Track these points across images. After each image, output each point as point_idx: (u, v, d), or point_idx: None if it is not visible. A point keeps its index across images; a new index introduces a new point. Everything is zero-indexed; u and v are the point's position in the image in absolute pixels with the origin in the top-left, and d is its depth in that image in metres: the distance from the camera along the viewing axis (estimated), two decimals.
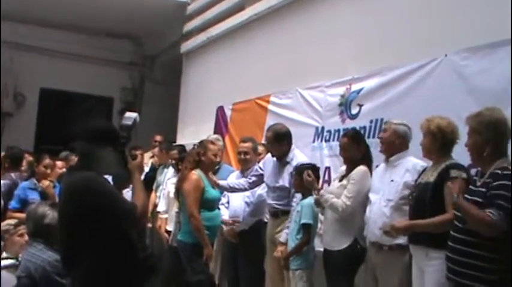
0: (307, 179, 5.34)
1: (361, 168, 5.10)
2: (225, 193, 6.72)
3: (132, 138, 3.87)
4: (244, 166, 6.66)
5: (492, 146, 3.73)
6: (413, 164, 4.68)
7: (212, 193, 6.06)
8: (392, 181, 4.72)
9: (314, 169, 5.71)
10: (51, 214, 4.30)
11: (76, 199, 3.44)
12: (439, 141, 4.29)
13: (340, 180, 5.25)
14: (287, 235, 5.64)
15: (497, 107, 3.89)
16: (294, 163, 5.87)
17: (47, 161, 7.16)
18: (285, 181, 5.92)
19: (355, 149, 5.23)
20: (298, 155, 6.05)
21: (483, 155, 3.76)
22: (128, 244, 3.57)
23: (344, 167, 5.38)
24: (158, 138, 9.74)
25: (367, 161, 5.21)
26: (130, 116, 3.91)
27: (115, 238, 3.44)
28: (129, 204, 3.48)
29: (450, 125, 4.30)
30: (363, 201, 4.99)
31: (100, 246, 3.42)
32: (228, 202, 6.78)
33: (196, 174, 5.98)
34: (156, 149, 8.95)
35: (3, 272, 4.27)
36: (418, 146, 4.52)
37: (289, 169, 5.90)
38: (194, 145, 6.25)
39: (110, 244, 3.44)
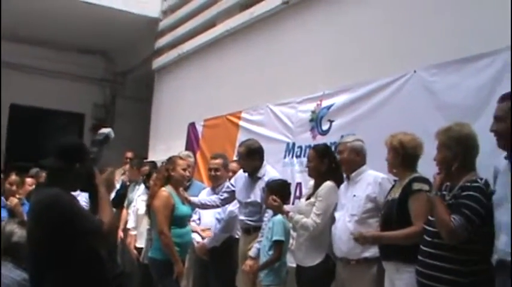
0: (272, 204, 5.35)
1: (328, 184, 5.11)
2: (196, 209, 6.69)
3: (103, 154, 3.85)
4: (215, 182, 6.66)
5: (461, 160, 3.78)
6: (373, 177, 4.75)
7: (182, 209, 5.99)
8: (354, 196, 4.77)
9: (285, 184, 5.72)
10: (19, 232, 4.24)
11: (42, 216, 3.41)
12: (401, 156, 4.36)
13: (308, 197, 5.25)
14: (257, 249, 5.62)
15: (466, 123, 3.94)
16: (266, 179, 5.87)
17: (13, 177, 7.04)
18: (256, 196, 5.91)
19: (319, 163, 5.24)
20: (270, 171, 6.05)
21: (451, 169, 3.80)
22: (97, 262, 3.54)
23: (312, 182, 5.39)
24: (129, 155, 9.67)
25: (336, 176, 5.21)
26: (103, 131, 3.91)
27: (83, 256, 3.41)
28: (96, 221, 3.44)
29: (413, 140, 4.36)
30: (332, 217, 4.99)
31: (67, 265, 3.39)
32: (199, 219, 6.77)
33: (166, 191, 5.91)
34: (127, 166, 8.89)
35: None
36: (383, 160, 4.56)
37: (260, 185, 5.89)
38: (163, 162, 6.16)
39: (77, 262, 3.40)
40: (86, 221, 3.41)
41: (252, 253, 5.69)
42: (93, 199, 3.66)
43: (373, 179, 4.72)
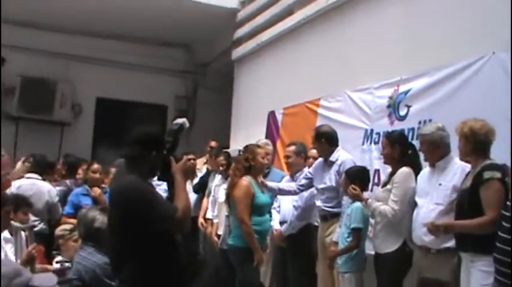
0: (352, 192, 5.35)
1: (403, 170, 5.08)
2: (276, 197, 6.75)
3: (179, 143, 3.94)
4: (291, 170, 6.73)
5: None
6: (461, 167, 4.63)
7: (262, 198, 6.04)
8: (440, 184, 4.69)
9: (364, 171, 5.74)
10: (100, 218, 4.42)
11: (118, 201, 3.53)
12: (472, 143, 4.27)
13: (385, 184, 5.22)
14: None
15: None
16: (339, 163, 5.96)
17: (96, 166, 7.30)
18: (331, 181, 5.97)
19: (391, 149, 5.24)
20: (343, 155, 6.12)
21: None
22: (172, 248, 3.63)
23: (390, 170, 5.35)
24: (213, 144, 9.82)
25: (412, 162, 5.15)
26: (178, 121, 3.99)
27: (158, 241, 3.50)
28: (170, 207, 3.53)
29: (484, 126, 4.26)
30: (409, 203, 4.95)
31: (144, 250, 3.49)
32: (279, 206, 6.85)
33: (246, 180, 5.97)
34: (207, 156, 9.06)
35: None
36: None
37: (335, 169, 5.97)
38: (239, 151, 6.20)
39: (153, 248, 3.50)
40: (159, 207, 3.49)
41: (335, 237, 5.72)
42: (170, 187, 3.75)
43: (461, 169, 4.61)
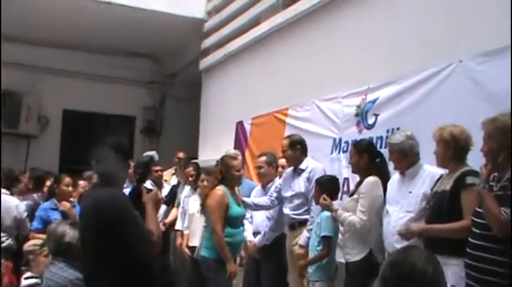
0: (323, 203, 5.36)
1: (370, 179, 5.10)
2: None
3: (148, 175, 4.03)
4: (263, 180, 6.71)
5: (508, 151, 3.69)
6: (430, 174, 4.65)
7: (236, 210, 5.92)
8: (410, 192, 4.70)
9: (334, 180, 5.76)
10: (71, 233, 4.34)
11: (100, 213, 3.47)
12: (453, 149, 4.27)
13: (352, 194, 5.23)
14: (307, 238, 5.70)
15: None
16: (309, 170, 6.02)
17: (67, 179, 7.20)
18: (300, 187, 6.02)
19: (359, 158, 5.25)
20: (312, 163, 6.16)
21: (498, 160, 3.73)
22: (146, 261, 3.58)
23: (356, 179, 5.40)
24: (180, 155, 9.78)
25: (379, 171, 5.18)
26: (148, 153, 4.09)
27: (134, 256, 3.46)
28: (147, 230, 3.53)
29: (463, 132, 4.27)
30: (377, 212, 4.97)
31: (119, 264, 3.44)
32: (251, 217, 6.82)
33: (221, 190, 5.85)
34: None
35: None
36: (433, 154, 4.48)
37: (304, 176, 6.00)
38: (217, 161, 6.07)
39: (128, 262, 3.45)
40: (139, 225, 3.49)
41: (301, 241, 5.74)
42: (141, 216, 3.75)
43: (430, 177, 4.63)
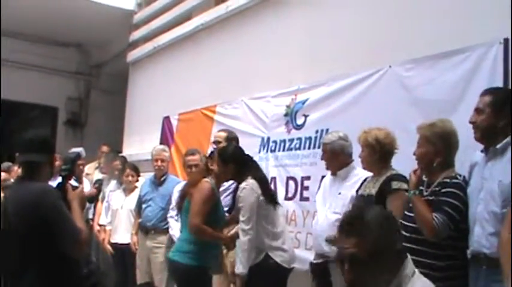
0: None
1: (242, 187, 4.93)
2: (173, 205, 6.59)
3: (75, 171, 3.94)
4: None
5: (443, 156, 3.78)
6: (361, 177, 4.69)
7: (222, 211, 5.30)
8: (340, 193, 4.75)
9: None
10: None
11: (33, 207, 3.38)
12: (378, 153, 4.32)
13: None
14: None
15: (449, 119, 3.94)
16: None
17: None
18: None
19: (221, 168, 5.10)
20: None
21: (432, 165, 3.79)
22: (72, 260, 3.52)
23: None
24: (104, 148, 9.60)
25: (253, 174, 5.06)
26: (75, 150, 4.04)
27: (60, 253, 3.39)
28: (77, 227, 3.44)
29: (388, 135, 4.33)
30: (259, 216, 4.89)
31: (44, 262, 3.39)
32: (177, 214, 6.48)
33: (209, 182, 5.09)
34: (102, 160, 8.83)
35: None
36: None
37: None
38: (212, 151, 5.50)
39: (53, 261, 3.40)
40: (69, 221, 3.42)
41: None
42: None
43: (361, 180, 4.67)
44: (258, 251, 4.91)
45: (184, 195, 5.29)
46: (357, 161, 4.63)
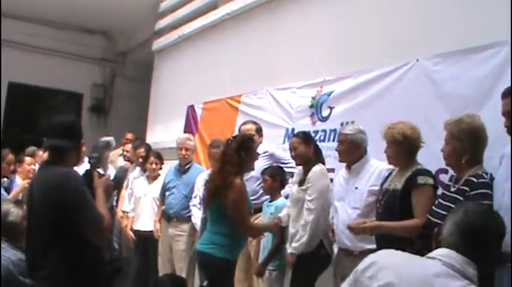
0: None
1: (317, 168, 5.07)
2: (197, 193, 6.63)
3: (102, 159, 3.96)
4: None
5: (471, 153, 3.75)
6: (377, 169, 4.71)
7: (251, 204, 5.18)
8: (356, 188, 4.74)
9: (282, 169, 5.74)
10: (15, 211, 4.22)
11: (55, 190, 3.40)
12: (405, 147, 4.26)
13: (300, 184, 5.19)
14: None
15: (476, 114, 3.91)
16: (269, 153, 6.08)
17: (10, 157, 7.01)
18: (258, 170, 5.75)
19: (304, 148, 5.19)
20: (269, 148, 6.20)
21: (461, 161, 3.77)
22: (94, 246, 3.53)
23: (299, 169, 5.36)
24: (129, 136, 9.65)
25: (321, 161, 5.21)
26: (105, 139, 4.06)
27: (82, 239, 3.40)
28: (100, 213, 3.44)
29: (414, 130, 4.28)
30: (325, 201, 4.99)
31: (70, 246, 3.40)
32: (200, 203, 6.59)
33: (240, 180, 4.84)
34: (126, 147, 8.87)
35: None
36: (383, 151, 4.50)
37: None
38: (228, 139, 5.11)
39: (76, 245, 3.41)
40: (92, 207, 3.43)
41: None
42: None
43: (377, 172, 4.67)
44: (316, 235, 4.98)
45: (213, 194, 4.90)
46: (381, 156, 4.59)
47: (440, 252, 2.51)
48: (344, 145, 4.86)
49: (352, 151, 4.84)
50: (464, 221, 2.53)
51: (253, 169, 5.18)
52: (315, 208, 4.94)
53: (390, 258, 2.67)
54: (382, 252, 2.83)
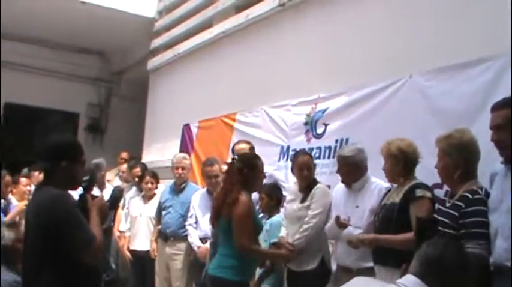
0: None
1: (321, 185, 5.13)
2: (192, 213, 6.64)
3: (94, 181, 3.93)
4: (215, 187, 6.53)
5: (463, 168, 3.75)
6: (377, 187, 4.71)
7: (260, 221, 5.08)
8: (357, 207, 4.74)
9: (278, 187, 5.74)
10: (7, 235, 4.22)
11: (45, 212, 3.38)
12: (402, 163, 4.29)
13: (302, 202, 5.19)
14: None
15: (467, 129, 3.92)
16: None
17: (7, 178, 7.00)
18: None
19: (313, 168, 5.26)
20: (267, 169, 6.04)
21: (454, 177, 3.78)
22: (89, 266, 3.50)
23: (293, 187, 5.39)
24: (124, 155, 9.66)
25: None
26: (95, 161, 4.01)
27: (75, 259, 3.38)
28: (91, 233, 3.42)
29: (411, 145, 4.31)
30: (326, 220, 4.99)
31: (60, 267, 3.37)
32: (196, 222, 6.65)
33: (246, 196, 4.74)
34: (122, 166, 8.87)
35: None
36: (379, 165, 4.53)
37: None
38: (233, 158, 5.12)
39: (70, 266, 3.38)
40: (83, 228, 3.40)
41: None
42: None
43: (377, 191, 4.68)
44: (318, 251, 5.00)
45: (218, 211, 4.84)
46: (380, 173, 4.60)
47: (404, 279, 2.79)
48: (345, 168, 4.87)
49: (354, 172, 4.84)
50: (425, 251, 2.84)
51: (259, 188, 5.12)
52: (319, 220, 4.98)
53: (355, 283, 3.00)
54: (354, 280, 3.09)
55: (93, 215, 3.62)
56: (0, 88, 11.42)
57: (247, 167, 4.80)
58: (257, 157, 5.07)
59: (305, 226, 5.01)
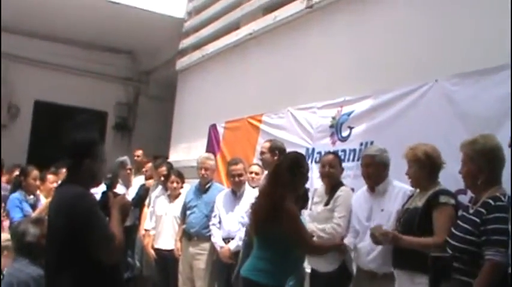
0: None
1: (346, 188, 5.14)
2: (216, 213, 6.69)
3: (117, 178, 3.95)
4: (240, 187, 6.61)
5: (486, 174, 3.71)
6: (401, 190, 4.69)
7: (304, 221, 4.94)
8: (382, 210, 4.72)
9: (304, 189, 5.71)
10: (32, 231, 4.28)
11: (64, 213, 3.43)
12: (427, 168, 4.28)
13: (326, 204, 5.19)
14: None
15: (492, 134, 3.90)
16: None
17: (35, 172, 7.11)
18: None
19: (339, 170, 5.27)
20: None
21: (477, 182, 3.74)
22: (110, 266, 3.53)
23: (320, 189, 5.39)
24: (138, 153, 9.73)
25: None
26: (119, 159, 4.01)
27: (95, 259, 3.41)
28: (111, 232, 3.45)
29: (435, 150, 4.30)
30: (348, 222, 4.99)
31: (80, 266, 3.40)
32: (219, 222, 6.69)
33: (289, 199, 4.50)
34: (148, 165, 8.92)
35: None
36: (403, 170, 4.50)
37: None
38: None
39: (89, 265, 3.41)
40: (102, 226, 3.43)
41: None
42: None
43: (402, 193, 4.66)
44: (339, 256, 5.00)
45: (265, 221, 4.56)
46: (403, 178, 4.59)
47: None
48: (372, 167, 4.85)
49: (381, 172, 4.83)
50: None
51: (302, 190, 4.87)
52: (342, 225, 4.98)
53: None
54: None
55: (114, 214, 3.64)
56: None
57: (295, 167, 4.59)
58: (303, 156, 5.00)
59: (333, 225, 5.01)
